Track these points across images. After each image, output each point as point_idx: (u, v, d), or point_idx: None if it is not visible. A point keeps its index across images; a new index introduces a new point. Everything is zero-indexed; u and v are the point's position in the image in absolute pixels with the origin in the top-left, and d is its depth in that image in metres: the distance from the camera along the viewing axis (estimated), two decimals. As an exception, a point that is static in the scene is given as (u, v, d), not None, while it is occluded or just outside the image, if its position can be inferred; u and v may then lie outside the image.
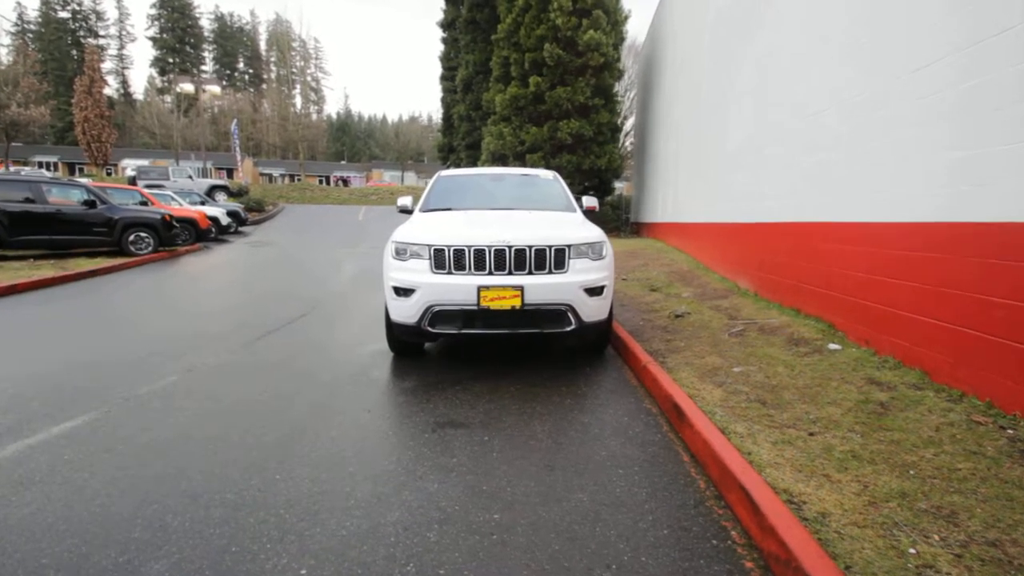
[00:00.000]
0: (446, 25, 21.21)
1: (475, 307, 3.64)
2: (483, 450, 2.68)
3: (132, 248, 10.12)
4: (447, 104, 20.81)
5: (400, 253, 3.90)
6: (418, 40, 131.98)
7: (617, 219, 16.73)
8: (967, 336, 2.96)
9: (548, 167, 14.29)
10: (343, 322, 5.67)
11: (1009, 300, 2.68)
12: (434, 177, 5.54)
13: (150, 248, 10.33)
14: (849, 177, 4.33)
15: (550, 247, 3.76)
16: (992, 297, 2.79)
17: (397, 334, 4.02)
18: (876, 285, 3.89)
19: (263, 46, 68.71)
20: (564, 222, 4.29)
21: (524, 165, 14.55)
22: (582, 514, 2.10)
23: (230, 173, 44.06)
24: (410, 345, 4.28)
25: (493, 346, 4.61)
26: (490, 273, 3.69)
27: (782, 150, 5.58)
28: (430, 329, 3.75)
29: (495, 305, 3.63)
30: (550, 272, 3.75)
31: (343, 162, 63.15)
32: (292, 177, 49.09)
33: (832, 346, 4.12)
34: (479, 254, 3.70)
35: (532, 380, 3.80)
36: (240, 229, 17.48)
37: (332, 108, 76.28)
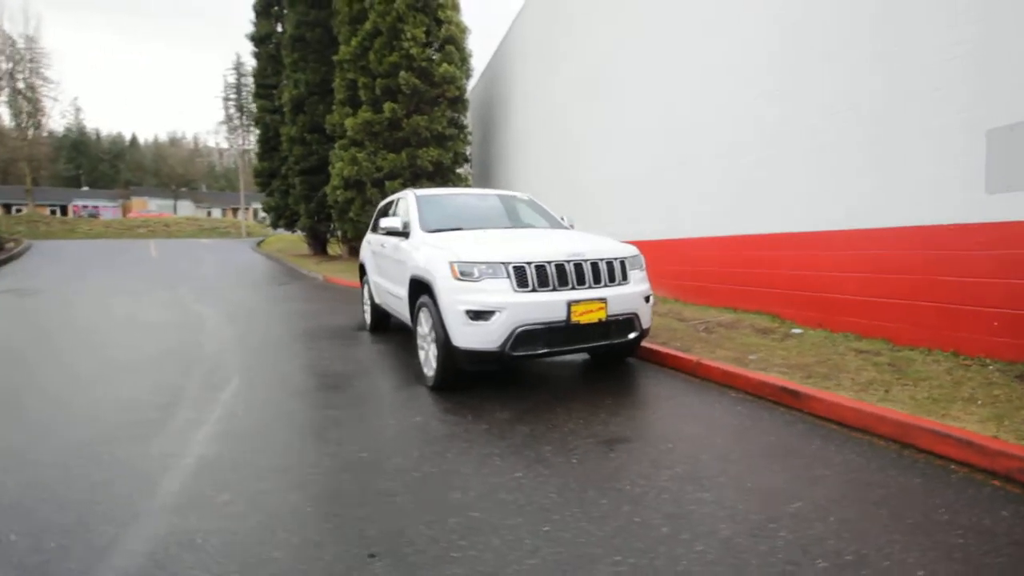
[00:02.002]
0: (259, 39, 19.01)
1: (563, 323, 3.56)
2: (685, 457, 2.69)
3: None
4: (266, 125, 18.55)
5: (467, 274, 3.58)
6: (168, 57, 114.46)
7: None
8: (923, 307, 4.10)
9: (409, 194, 14.02)
10: (298, 376, 4.77)
11: (961, 279, 3.83)
12: (410, 198, 5.13)
13: None
14: (783, 197, 5.48)
15: (617, 259, 3.91)
16: (942, 277, 3.95)
17: (465, 363, 3.63)
18: (822, 279, 5.01)
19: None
20: (594, 238, 4.46)
21: (383, 191, 14.01)
22: (857, 489, 2.30)
23: None
24: (466, 375, 3.88)
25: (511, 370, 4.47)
26: (573, 288, 3.66)
27: (698, 182, 6.70)
28: (512, 353, 3.52)
29: (584, 319, 3.61)
30: (619, 284, 3.89)
31: (84, 188, 50.55)
32: (8, 207, 37.48)
33: (795, 330, 5.12)
34: (560, 269, 3.65)
35: (609, 391, 3.86)
36: (-26, 275, 12.78)
37: (58, 123, 60.59)
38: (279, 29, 18.64)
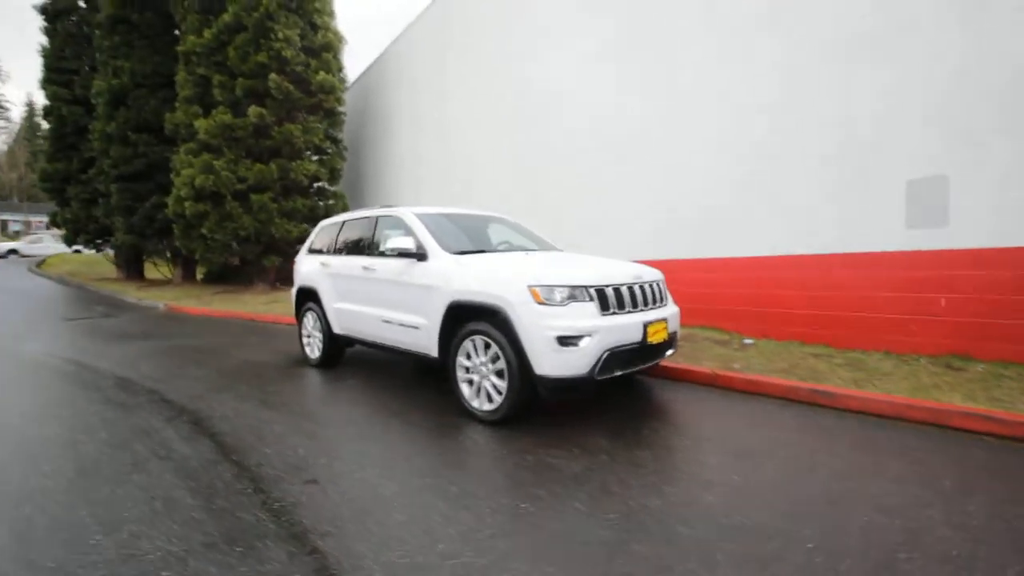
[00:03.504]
0: (54, 13, 14.79)
1: (639, 344, 3.63)
2: (814, 460, 2.97)
3: None
4: (62, 118, 14.35)
5: (550, 298, 3.43)
6: None
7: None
8: (858, 317, 5.16)
9: (282, 211, 12.54)
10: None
11: (889, 294, 4.94)
12: (409, 216, 4.64)
13: None
14: (734, 229, 6.35)
15: (659, 280, 4.14)
16: (874, 293, 5.04)
17: (547, 390, 3.43)
18: (763, 296, 5.94)
19: None
20: (621, 261, 4.60)
21: (248, 206, 12.23)
22: (958, 464, 2.84)
23: None
24: (534, 406, 3.66)
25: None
26: (641, 310, 3.76)
27: (635, 209, 7.36)
28: (598, 377, 3.46)
29: (654, 339, 3.73)
30: (666, 303, 4.12)
31: None
32: None
33: (747, 341, 5.94)
34: (631, 291, 3.73)
35: (664, 408, 4.02)
36: None
37: None
38: (82, 4, 15.01)
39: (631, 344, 3.58)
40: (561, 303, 3.42)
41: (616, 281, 3.67)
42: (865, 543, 2.09)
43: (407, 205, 5.08)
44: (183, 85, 12.59)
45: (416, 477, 2.83)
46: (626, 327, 3.55)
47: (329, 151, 13.55)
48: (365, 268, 4.86)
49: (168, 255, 15.30)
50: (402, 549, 2.13)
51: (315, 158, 13.64)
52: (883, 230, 5.01)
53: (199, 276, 16.73)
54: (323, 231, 5.95)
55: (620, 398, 4.28)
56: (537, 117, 8.89)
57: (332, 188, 14.08)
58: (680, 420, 3.75)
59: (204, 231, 12.23)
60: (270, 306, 11.14)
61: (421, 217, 4.66)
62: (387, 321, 4.56)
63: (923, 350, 4.75)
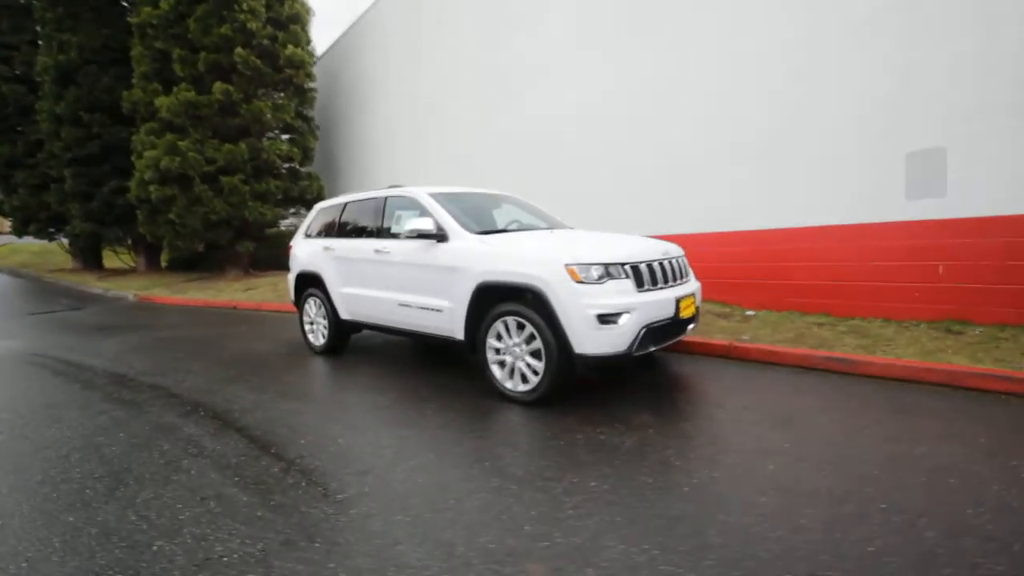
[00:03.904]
0: None
1: (671, 319, 3.67)
2: (859, 425, 3.09)
3: None
4: (3, 96, 13.01)
5: (587, 277, 3.40)
6: None
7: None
8: (856, 286, 5.35)
9: (254, 193, 12.01)
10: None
11: (886, 263, 5.13)
12: (424, 197, 4.50)
13: None
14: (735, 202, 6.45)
15: (684, 256, 4.17)
16: (872, 263, 5.23)
17: (586, 369, 3.45)
18: (762, 269, 6.08)
19: None
20: (637, 236, 4.61)
21: (218, 188, 11.65)
22: (993, 423, 3.01)
23: None
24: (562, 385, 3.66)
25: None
26: (671, 285, 3.79)
27: (632, 185, 7.37)
28: (635, 353, 3.49)
29: (685, 314, 3.77)
30: (690, 279, 4.17)
31: None
32: None
33: (748, 312, 6.09)
34: (662, 267, 3.74)
35: (693, 380, 4.10)
36: None
37: None
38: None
39: (665, 319, 3.61)
40: (599, 281, 3.40)
41: (648, 257, 3.67)
42: (934, 502, 2.19)
43: (391, 185, 4.94)
44: (140, 60, 11.77)
45: (474, 461, 2.80)
46: (661, 303, 3.57)
47: (301, 130, 13.00)
48: (377, 251, 4.71)
49: (129, 242, 14.48)
50: (489, 534, 2.10)
51: (286, 137, 13.09)
52: (884, 202, 5.18)
53: (164, 263, 15.95)
54: (322, 214, 5.73)
55: (644, 372, 4.33)
56: (523, 90, 8.73)
57: (304, 169, 13.57)
58: (710, 391, 3.83)
59: (172, 216, 11.62)
60: (249, 293, 10.77)
61: (436, 197, 4.53)
62: (405, 305, 4.45)
63: (920, 316, 4.98)
